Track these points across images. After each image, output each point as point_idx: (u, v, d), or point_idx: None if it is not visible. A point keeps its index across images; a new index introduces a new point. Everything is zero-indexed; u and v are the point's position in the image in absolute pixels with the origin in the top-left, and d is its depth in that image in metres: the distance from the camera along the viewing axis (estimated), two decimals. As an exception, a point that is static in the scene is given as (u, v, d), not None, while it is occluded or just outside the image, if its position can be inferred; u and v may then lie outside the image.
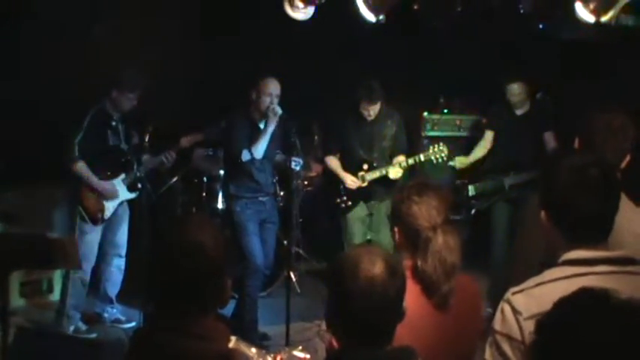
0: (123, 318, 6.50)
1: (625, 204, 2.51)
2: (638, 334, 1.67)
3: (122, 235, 6.43)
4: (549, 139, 6.96)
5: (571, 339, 1.71)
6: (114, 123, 6.19)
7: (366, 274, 2.20)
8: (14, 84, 6.48)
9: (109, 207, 6.19)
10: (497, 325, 2.32)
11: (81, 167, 6.02)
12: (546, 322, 1.80)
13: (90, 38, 6.95)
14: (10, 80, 6.48)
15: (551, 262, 2.41)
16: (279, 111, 5.97)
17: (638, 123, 3.37)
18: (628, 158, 3.28)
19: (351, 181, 6.57)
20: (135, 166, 6.29)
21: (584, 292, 1.82)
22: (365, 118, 6.50)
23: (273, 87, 6.02)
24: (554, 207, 2.40)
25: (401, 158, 6.54)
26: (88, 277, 6.20)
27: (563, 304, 1.80)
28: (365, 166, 6.57)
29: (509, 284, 2.44)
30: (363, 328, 2.23)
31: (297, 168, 6.44)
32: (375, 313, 2.20)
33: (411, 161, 6.51)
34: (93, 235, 6.07)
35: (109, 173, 6.20)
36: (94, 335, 6.25)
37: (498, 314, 2.33)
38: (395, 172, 6.47)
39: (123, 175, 6.27)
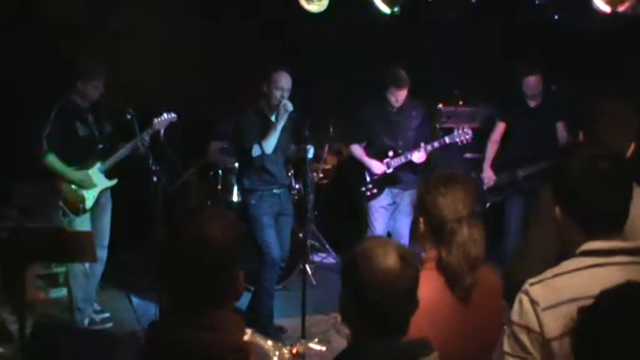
0: (98, 308, 6.51)
1: (636, 192, 2.49)
2: None
3: (105, 225, 6.39)
4: (561, 129, 6.94)
5: (616, 332, 1.72)
6: (83, 114, 6.13)
7: (380, 266, 2.21)
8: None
9: (89, 196, 6.16)
10: (515, 316, 2.31)
11: (52, 160, 5.97)
12: (591, 313, 1.79)
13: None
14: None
15: (564, 255, 2.40)
16: (290, 107, 5.95)
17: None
18: (633, 147, 3.26)
19: (376, 166, 6.58)
20: (110, 154, 6.24)
21: (630, 286, 1.81)
22: (391, 108, 6.51)
23: (285, 81, 5.99)
24: (567, 200, 2.39)
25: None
26: (88, 268, 6.22)
27: (609, 296, 1.80)
28: (390, 153, 6.58)
29: (521, 275, 2.44)
30: (378, 319, 2.23)
31: (310, 155, 6.39)
32: (389, 304, 2.21)
33: (436, 144, 6.50)
34: (82, 226, 6.06)
35: (82, 164, 6.14)
36: (109, 325, 6.31)
37: (516, 305, 2.32)
38: (419, 156, 6.47)
39: (98, 164, 6.22)
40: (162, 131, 6.32)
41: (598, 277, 2.21)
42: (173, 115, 6.33)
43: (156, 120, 6.26)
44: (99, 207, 6.31)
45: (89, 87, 6.03)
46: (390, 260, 2.22)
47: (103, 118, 6.30)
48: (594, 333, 1.77)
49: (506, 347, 2.33)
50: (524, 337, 2.27)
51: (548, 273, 2.32)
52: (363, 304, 2.23)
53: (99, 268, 6.36)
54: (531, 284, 2.31)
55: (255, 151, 6.06)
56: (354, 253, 2.30)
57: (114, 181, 6.35)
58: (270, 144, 6.04)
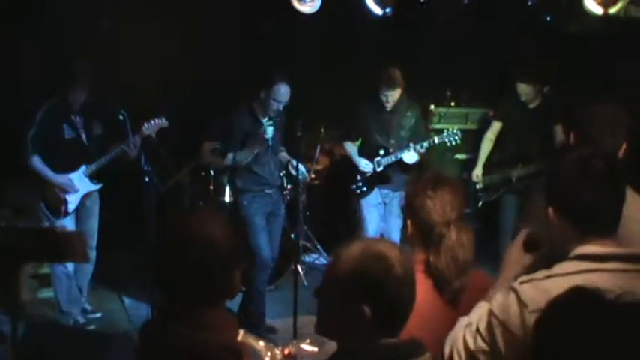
0: (89, 307, 6.51)
1: (629, 194, 2.51)
2: (635, 334, 1.66)
3: (92, 227, 6.37)
4: (558, 132, 6.96)
5: (567, 340, 1.71)
6: (71, 116, 6.12)
7: (396, 264, 2.15)
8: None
9: (72, 200, 6.15)
10: (497, 308, 2.31)
11: (35, 162, 5.99)
12: (541, 322, 1.79)
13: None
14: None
15: (554, 258, 2.40)
16: (269, 135, 6.02)
17: (632, 111, 3.39)
18: (624, 147, 3.28)
19: (364, 164, 6.59)
20: (97, 157, 6.22)
21: (576, 292, 1.80)
22: (385, 107, 6.51)
23: (283, 95, 6.00)
24: (560, 201, 2.39)
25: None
26: (71, 271, 6.22)
27: (557, 303, 1.79)
28: (381, 152, 6.58)
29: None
30: (394, 317, 2.19)
31: (300, 178, 6.39)
32: (408, 300, 2.19)
33: (425, 144, 6.49)
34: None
35: (66, 167, 6.13)
36: (92, 327, 6.30)
37: (502, 298, 2.31)
38: (410, 157, 6.47)
39: (83, 168, 6.20)
40: (153, 133, 6.30)
41: (588, 284, 2.21)
42: (164, 121, 6.26)
43: (145, 125, 6.18)
44: (85, 209, 6.31)
45: (79, 91, 6.02)
46: (399, 255, 2.17)
47: (94, 119, 6.27)
48: (549, 344, 1.76)
49: (481, 326, 2.34)
50: (497, 332, 2.28)
51: (539, 274, 2.32)
52: (383, 306, 2.16)
53: (88, 269, 6.36)
54: (521, 282, 2.31)
55: (228, 159, 6.09)
56: (363, 259, 2.18)
57: (98, 186, 6.33)
58: (242, 159, 6.09)
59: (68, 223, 6.13)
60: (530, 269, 2.47)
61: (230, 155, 6.11)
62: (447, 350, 2.46)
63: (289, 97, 6.03)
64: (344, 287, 2.18)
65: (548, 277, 2.30)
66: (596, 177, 2.33)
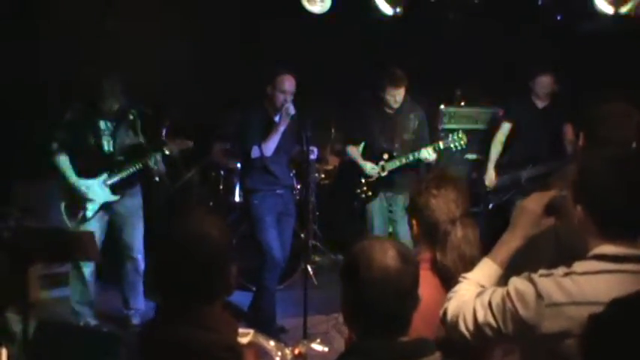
0: (136, 322, 6.38)
1: None
2: None
3: (130, 236, 6.25)
4: (568, 132, 6.94)
5: (625, 342, 1.71)
6: (99, 121, 5.98)
7: (379, 264, 2.21)
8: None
9: (89, 207, 6.01)
10: (513, 292, 2.30)
11: (61, 161, 5.93)
12: (603, 321, 1.79)
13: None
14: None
15: (560, 260, 2.39)
16: (292, 111, 5.95)
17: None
18: (634, 146, 3.26)
19: (370, 168, 6.58)
20: (121, 167, 6.07)
21: None
22: (388, 109, 6.51)
23: (289, 84, 6.00)
24: (590, 202, 2.34)
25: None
26: (88, 272, 6.14)
27: (621, 304, 1.79)
28: (385, 156, 6.57)
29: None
30: (379, 318, 2.23)
31: (312, 157, 6.38)
32: (390, 302, 2.21)
33: (430, 149, 6.48)
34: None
35: (86, 174, 6.02)
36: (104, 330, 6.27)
37: (521, 285, 2.30)
38: (428, 154, 6.44)
39: (105, 176, 6.05)
40: (164, 132, 6.26)
41: (606, 284, 2.20)
42: (189, 142, 6.27)
43: (168, 145, 6.14)
44: (118, 217, 6.21)
45: (102, 103, 5.91)
46: (388, 257, 2.22)
47: (126, 127, 6.10)
48: (603, 341, 1.76)
49: (494, 302, 2.34)
50: (509, 315, 2.29)
51: (560, 270, 2.32)
52: (364, 302, 2.23)
53: (133, 278, 6.32)
54: (540, 275, 2.31)
55: (254, 152, 6.07)
56: (353, 251, 2.30)
57: (116, 197, 6.12)
58: (269, 146, 6.04)
59: (93, 228, 5.90)
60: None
61: (255, 148, 6.06)
62: (450, 311, 2.47)
63: (294, 88, 6.01)
64: (341, 277, 2.33)
65: (567, 274, 2.29)
66: (630, 181, 2.29)
